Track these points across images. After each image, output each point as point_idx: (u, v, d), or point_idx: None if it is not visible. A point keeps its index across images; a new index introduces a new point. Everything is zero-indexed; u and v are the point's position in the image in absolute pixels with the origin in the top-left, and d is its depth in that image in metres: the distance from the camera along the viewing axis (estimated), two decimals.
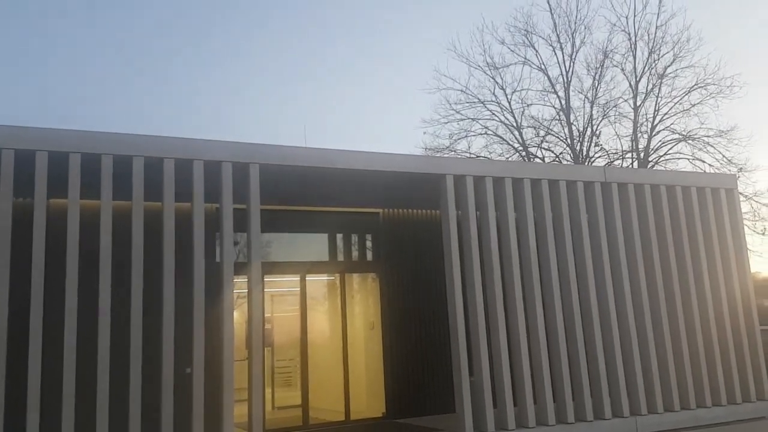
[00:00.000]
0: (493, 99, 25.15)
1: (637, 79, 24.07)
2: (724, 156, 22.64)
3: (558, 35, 24.86)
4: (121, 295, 6.93)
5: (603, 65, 24.29)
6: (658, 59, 23.94)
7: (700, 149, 23.14)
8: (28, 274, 6.58)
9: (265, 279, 9.06)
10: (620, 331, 9.39)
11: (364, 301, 10.91)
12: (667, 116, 23.81)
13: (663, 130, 23.85)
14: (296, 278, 10.12)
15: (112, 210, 6.99)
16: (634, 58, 24.14)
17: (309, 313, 10.05)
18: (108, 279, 6.85)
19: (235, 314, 7.71)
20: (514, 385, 8.63)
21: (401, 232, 10.76)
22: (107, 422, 6.57)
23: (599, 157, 24.21)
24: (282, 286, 10.92)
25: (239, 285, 7.96)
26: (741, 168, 22.24)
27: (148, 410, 6.80)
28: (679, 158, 23.45)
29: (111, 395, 6.65)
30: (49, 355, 6.78)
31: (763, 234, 22.03)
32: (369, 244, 10.98)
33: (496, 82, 25.25)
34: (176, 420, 6.86)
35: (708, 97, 23.18)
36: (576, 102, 24.94)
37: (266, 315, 10.21)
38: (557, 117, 24.77)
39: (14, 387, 6.41)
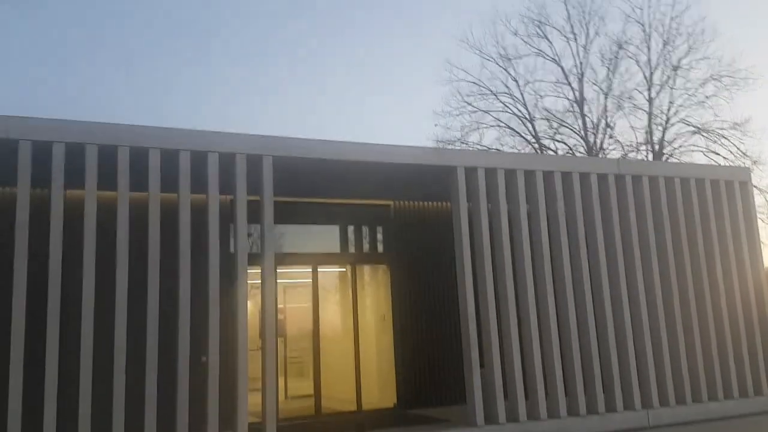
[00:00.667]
0: (506, 91, 25.09)
1: (652, 70, 23.92)
2: (738, 148, 22.51)
3: (572, 26, 24.73)
4: (137, 286, 7.02)
5: (617, 56, 24.15)
6: (673, 50, 23.79)
7: (714, 142, 23.01)
8: (46, 264, 6.69)
9: (278, 270, 9.14)
10: (633, 323, 9.39)
11: (375, 292, 10.96)
12: (681, 108, 23.67)
13: (677, 122, 23.71)
14: (308, 269, 10.19)
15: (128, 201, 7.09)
16: (649, 49, 23.98)
17: (321, 305, 10.13)
18: (125, 269, 6.95)
19: (249, 305, 7.80)
20: (525, 377, 8.66)
21: (412, 225, 10.79)
22: (123, 408, 6.69)
23: (613, 149, 24.11)
24: (294, 277, 11.00)
25: (252, 276, 8.04)
26: (755, 161, 22.11)
27: (163, 397, 6.90)
28: (693, 150, 23.33)
29: (127, 384, 6.76)
30: (66, 346, 6.88)
31: None
32: (380, 236, 11.02)
33: (509, 74, 25.18)
34: (192, 407, 6.96)
35: (722, 89, 23.02)
36: (590, 93, 24.84)
37: (279, 306, 10.29)
38: (571, 109, 24.67)
39: (32, 378, 6.54)
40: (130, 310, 6.92)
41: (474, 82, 25.38)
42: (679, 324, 9.64)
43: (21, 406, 6.32)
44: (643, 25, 24.02)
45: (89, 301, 6.76)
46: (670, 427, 9.02)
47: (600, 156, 23.26)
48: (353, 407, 10.00)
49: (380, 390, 10.41)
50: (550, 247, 9.13)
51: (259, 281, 7.67)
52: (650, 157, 23.29)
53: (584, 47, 24.57)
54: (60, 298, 6.67)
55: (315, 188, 9.61)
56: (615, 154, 23.89)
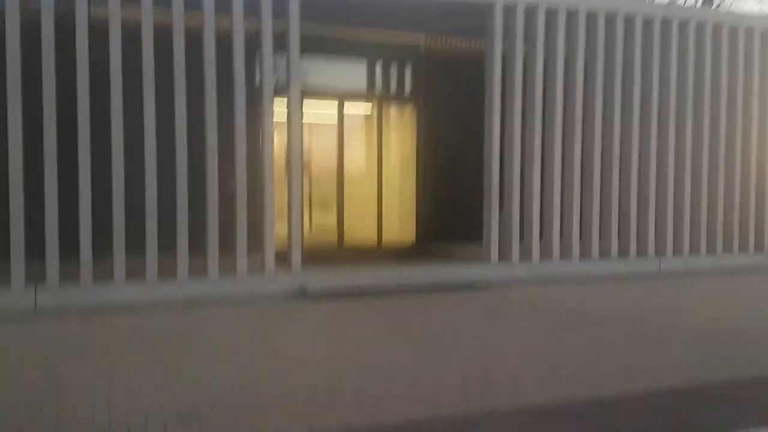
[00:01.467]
0: None
1: None
2: None
3: None
4: (162, 109, 7.04)
5: None
6: None
7: None
8: (74, 86, 6.69)
9: (303, 109, 9.05)
10: (658, 172, 9.38)
11: (401, 132, 10.89)
12: None
13: None
14: (334, 106, 10.08)
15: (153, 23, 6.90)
16: None
17: (346, 142, 10.15)
18: (152, 93, 6.93)
19: (275, 139, 7.84)
20: (542, 218, 8.82)
21: (443, 64, 10.44)
22: (156, 232, 7.00)
23: None
24: (319, 116, 10.90)
25: (279, 114, 7.98)
26: None
27: (194, 223, 7.19)
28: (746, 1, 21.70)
29: (160, 208, 7.01)
30: (96, 174, 7.02)
31: None
32: (408, 74, 10.74)
33: None
34: (221, 233, 7.27)
35: None
36: None
37: (304, 145, 10.32)
38: None
39: (67, 193, 6.80)
40: (159, 135, 6.99)
41: None
42: (704, 176, 9.60)
43: (57, 221, 6.65)
44: None
45: (118, 128, 6.81)
46: (680, 276, 9.17)
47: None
48: (374, 242, 10.37)
49: (401, 227, 10.72)
50: (584, 92, 8.90)
51: (285, 119, 7.63)
52: (699, 4, 21.80)
53: None
54: (90, 120, 6.73)
55: (342, 17, 9.18)
56: None
